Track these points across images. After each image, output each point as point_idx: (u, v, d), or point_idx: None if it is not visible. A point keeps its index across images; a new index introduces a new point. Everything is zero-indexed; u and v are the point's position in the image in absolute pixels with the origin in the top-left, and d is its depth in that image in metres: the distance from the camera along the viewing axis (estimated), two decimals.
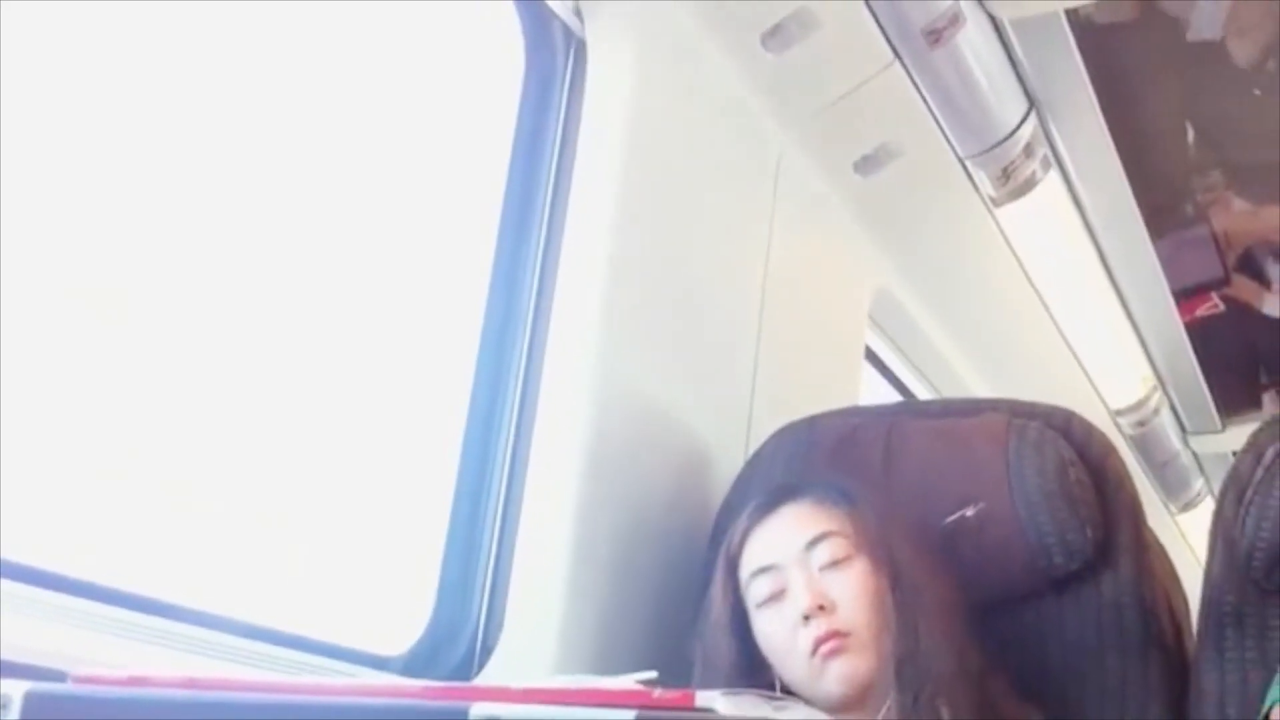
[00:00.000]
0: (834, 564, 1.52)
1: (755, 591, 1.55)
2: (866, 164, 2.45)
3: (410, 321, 1.81)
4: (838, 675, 1.47)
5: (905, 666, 1.46)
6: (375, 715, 0.76)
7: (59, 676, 0.91)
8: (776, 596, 1.53)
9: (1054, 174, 2.66)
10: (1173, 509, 4.51)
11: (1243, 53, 2.82)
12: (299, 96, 1.64)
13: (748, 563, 1.57)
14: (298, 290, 1.65)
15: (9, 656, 1.06)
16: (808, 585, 1.50)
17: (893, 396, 3.11)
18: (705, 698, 0.74)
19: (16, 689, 0.85)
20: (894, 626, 1.48)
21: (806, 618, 1.49)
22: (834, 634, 1.48)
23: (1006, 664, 1.55)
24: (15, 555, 1.20)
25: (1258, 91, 2.89)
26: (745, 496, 1.76)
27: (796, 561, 1.53)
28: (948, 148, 2.48)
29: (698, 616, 1.61)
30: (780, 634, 1.52)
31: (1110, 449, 1.74)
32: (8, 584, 1.18)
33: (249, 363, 1.58)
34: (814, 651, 1.48)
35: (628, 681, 0.83)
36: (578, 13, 1.89)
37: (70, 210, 1.37)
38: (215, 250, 1.54)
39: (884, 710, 1.47)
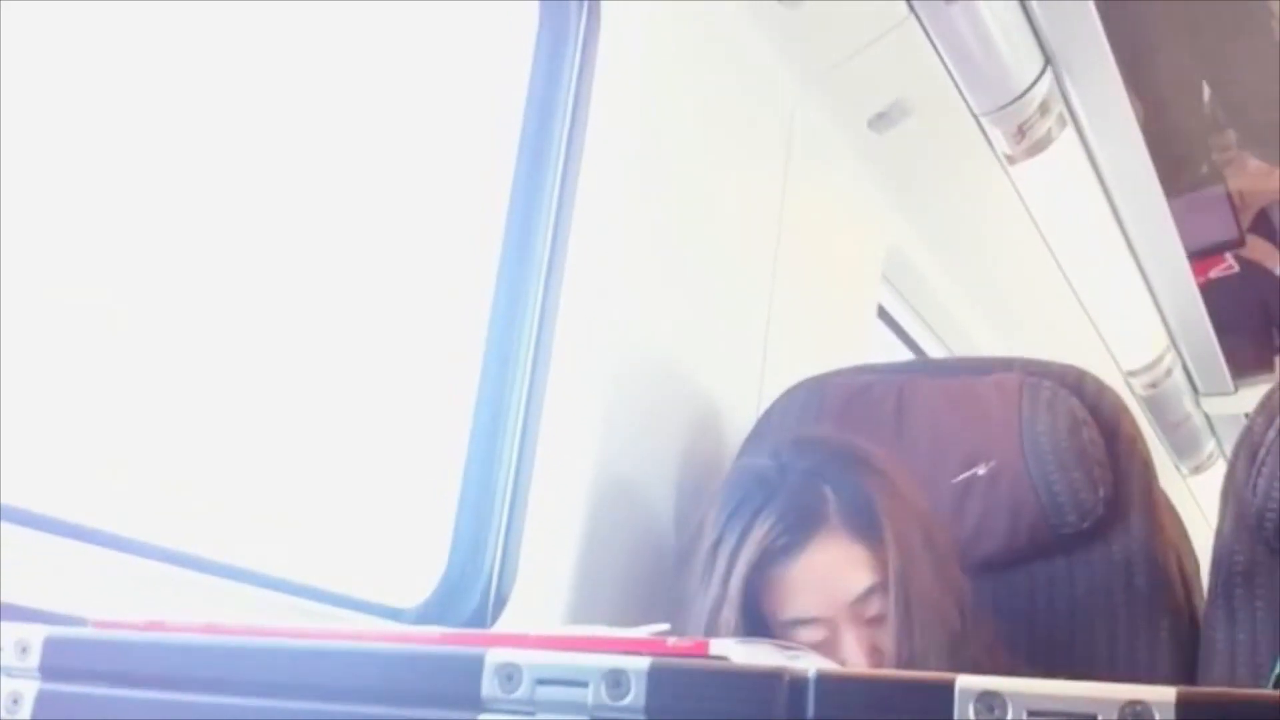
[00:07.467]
0: (881, 616, 1.39)
1: (795, 635, 1.39)
2: (881, 120, 2.43)
3: (425, 274, 1.81)
4: None
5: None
6: (393, 661, 0.76)
7: (79, 622, 0.92)
8: (822, 640, 1.39)
9: (1069, 132, 2.64)
10: (1184, 471, 4.51)
11: None
12: (304, 48, 1.63)
13: (784, 608, 1.40)
14: (315, 240, 1.65)
15: (30, 603, 1.07)
16: (859, 641, 1.38)
17: (905, 354, 3.11)
18: (719, 646, 0.74)
19: (37, 634, 0.86)
20: (894, 631, 1.37)
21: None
22: None
23: (1016, 622, 1.56)
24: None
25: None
26: (757, 453, 1.76)
27: (847, 617, 1.39)
28: (963, 104, 2.46)
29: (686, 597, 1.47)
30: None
31: (1123, 408, 1.73)
32: (28, 531, 1.18)
33: (266, 313, 1.58)
34: None
35: (642, 632, 0.84)
36: None
37: (73, 207, 1.36)
38: (229, 204, 1.53)
39: None
